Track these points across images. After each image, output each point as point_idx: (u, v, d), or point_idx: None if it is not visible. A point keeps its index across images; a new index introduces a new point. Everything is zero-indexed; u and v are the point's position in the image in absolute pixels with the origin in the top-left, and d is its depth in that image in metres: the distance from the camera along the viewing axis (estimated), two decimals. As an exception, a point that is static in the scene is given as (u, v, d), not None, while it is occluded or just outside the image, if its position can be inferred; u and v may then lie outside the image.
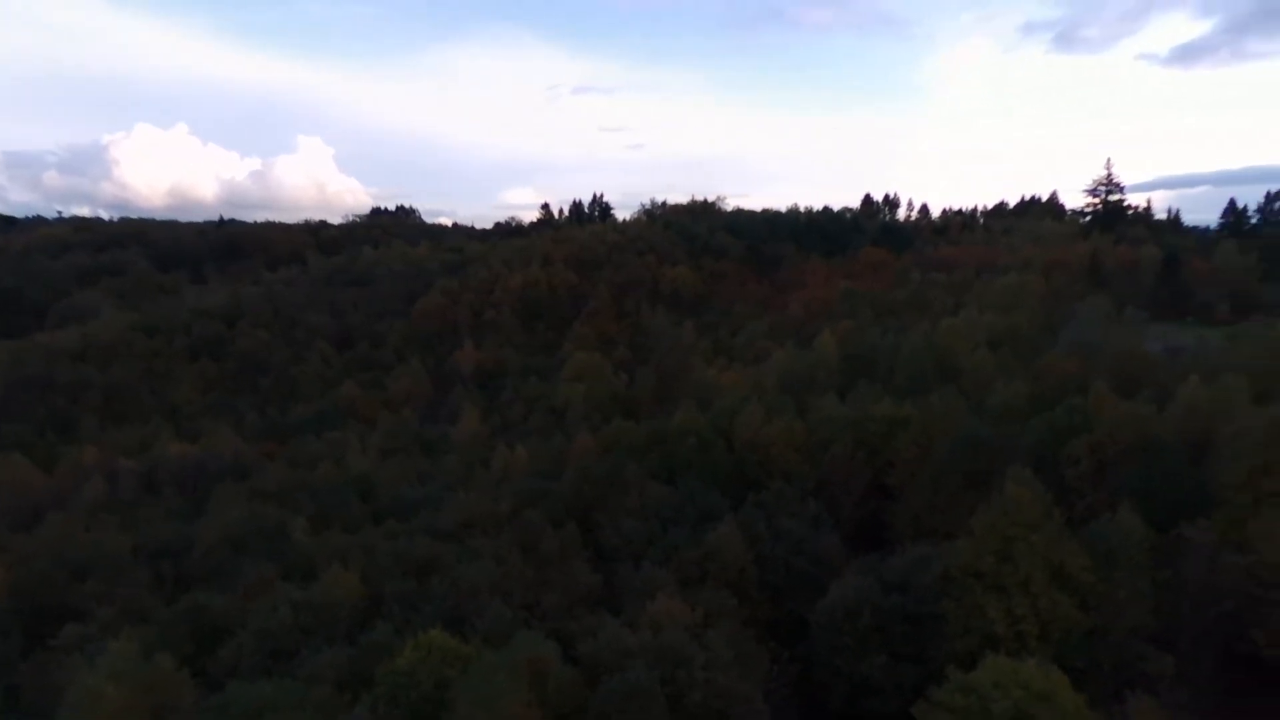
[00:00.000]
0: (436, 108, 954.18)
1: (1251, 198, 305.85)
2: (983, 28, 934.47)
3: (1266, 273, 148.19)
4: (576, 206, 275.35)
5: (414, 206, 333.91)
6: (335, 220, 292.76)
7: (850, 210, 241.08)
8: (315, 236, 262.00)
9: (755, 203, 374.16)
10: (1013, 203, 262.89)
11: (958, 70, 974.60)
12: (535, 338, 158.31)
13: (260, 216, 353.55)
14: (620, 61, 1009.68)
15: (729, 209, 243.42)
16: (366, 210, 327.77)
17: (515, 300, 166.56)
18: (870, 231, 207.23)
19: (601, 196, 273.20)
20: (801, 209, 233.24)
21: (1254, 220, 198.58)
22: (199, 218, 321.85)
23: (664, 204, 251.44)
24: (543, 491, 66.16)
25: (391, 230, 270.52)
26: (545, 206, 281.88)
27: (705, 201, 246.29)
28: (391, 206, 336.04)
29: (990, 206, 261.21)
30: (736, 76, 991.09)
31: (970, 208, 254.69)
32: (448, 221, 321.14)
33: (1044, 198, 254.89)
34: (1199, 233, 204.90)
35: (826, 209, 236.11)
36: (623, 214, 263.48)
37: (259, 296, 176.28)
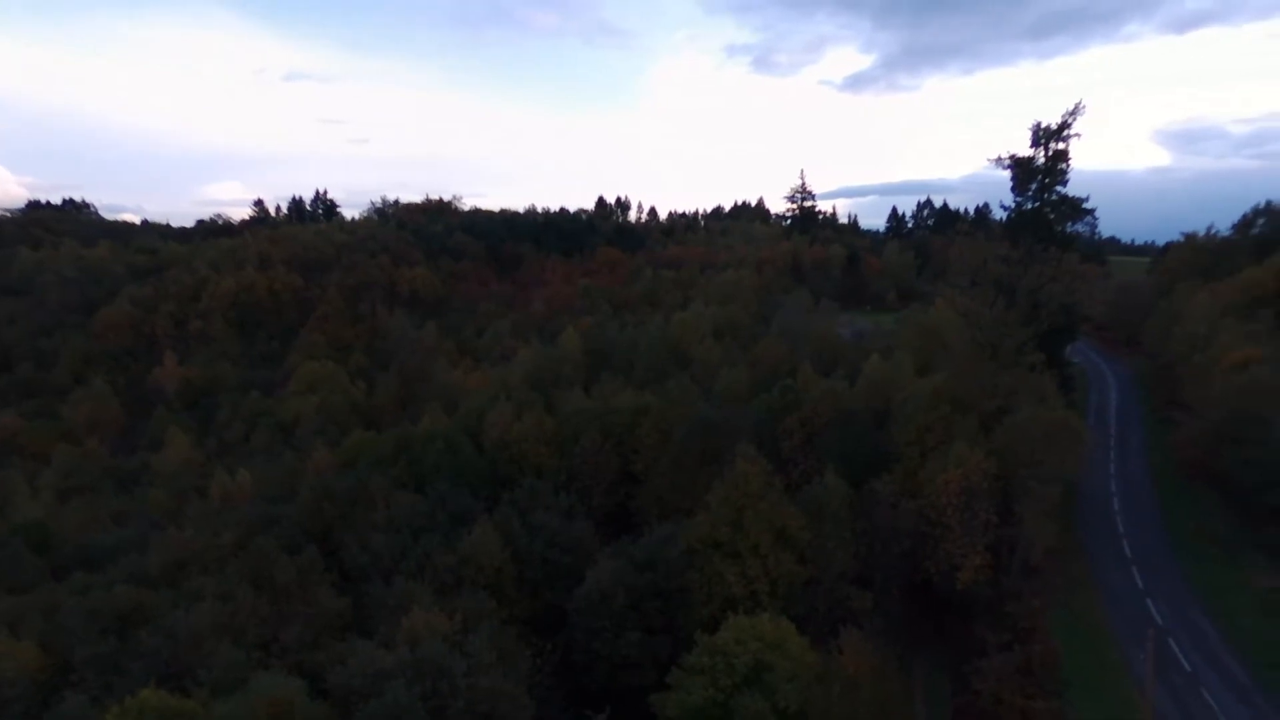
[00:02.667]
0: (114, 87, 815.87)
1: (908, 206, 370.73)
2: (694, 45, 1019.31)
3: (920, 267, 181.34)
4: (296, 204, 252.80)
5: (88, 201, 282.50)
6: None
7: (585, 212, 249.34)
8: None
9: (492, 203, 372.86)
10: (728, 207, 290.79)
11: (675, 82, 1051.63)
12: (255, 348, 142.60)
13: None
14: (338, 49, 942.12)
15: (466, 209, 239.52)
16: (20, 204, 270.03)
17: (228, 307, 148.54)
18: (605, 232, 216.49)
19: (325, 193, 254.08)
20: (539, 210, 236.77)
21: (910, 225, 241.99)
22: None
23: (396, 203, 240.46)
24: (274, 516, 60.05)
25: (58, 228, 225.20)
26: (259, 203, 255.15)
27: (441, 201, 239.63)
28: (56, 200, 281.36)
29: (709, 210, 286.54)
30: (467, 74, 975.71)
31: (693, 211, 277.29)
32: (134, 219, 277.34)
33: (753, 203, 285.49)
34: (872, 235, 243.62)
35: (563, 210, 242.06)
36: (350, 212, 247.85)
37: None
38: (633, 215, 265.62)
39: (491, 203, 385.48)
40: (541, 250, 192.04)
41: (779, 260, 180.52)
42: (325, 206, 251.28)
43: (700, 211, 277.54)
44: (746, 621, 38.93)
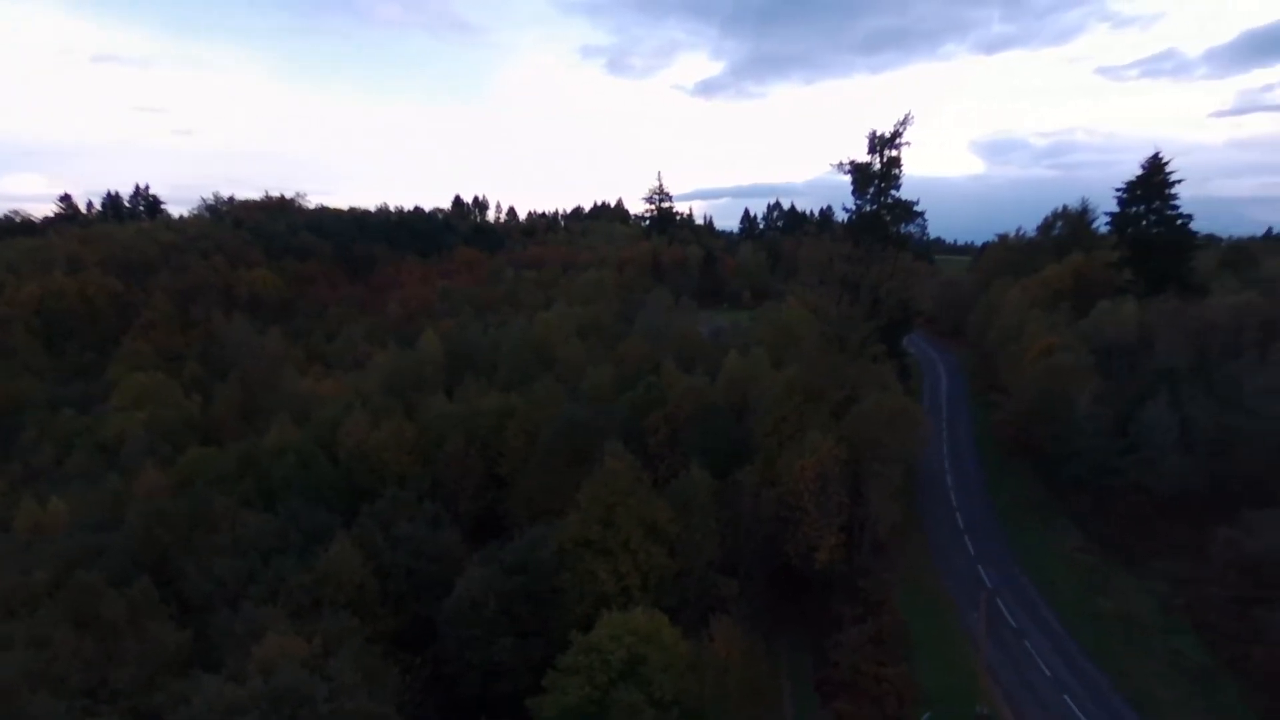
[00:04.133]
0: None
1: (759, 208, 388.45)
2: (549, 45, 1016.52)
3: (772, 267, 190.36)
4: (112, 200, 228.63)
5: None
6: None
7: (442, 211, 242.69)
8: None
9: (339, 201, 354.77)
10: (588, 207, 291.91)
11: (531, 81, 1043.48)
12: (66, 360, 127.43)
13: None
14: (154, 30, 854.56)
15: (311, 207, 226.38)
16: None
17: (30, 315, 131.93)
18: (463, 232, 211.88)
19: (147, 188, 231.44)
20: (392, 209, 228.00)
21: (762, 226, 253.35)
22: None
23: (231, 200, 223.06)
24: (98, 546, 54.16)
25: None
26: (66, 198, 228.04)
27: (282, 198, 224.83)
28: None
29: (569, 210, 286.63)
30: (305, 64, 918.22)
31: (553, 211, 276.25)
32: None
33: (613, 203, 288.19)
34: (727, 235, 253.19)
35: (418, 209, 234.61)
36: (178, 210, 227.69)
37: None
38: (491, 215, 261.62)
39: (339, 201, 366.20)
40: (396, 251, 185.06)
41: (639, 260, 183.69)
42: (147, 203, 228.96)
43: (560, 212, 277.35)
44: (620, 617, 39.32)
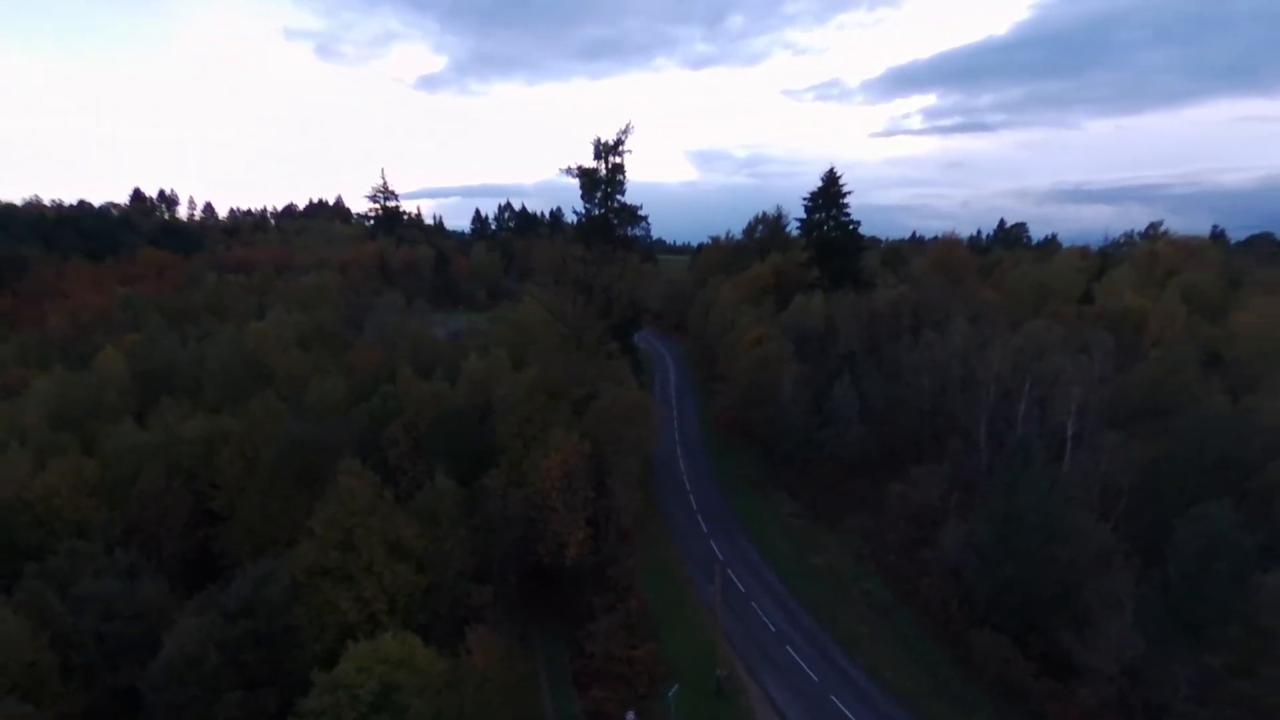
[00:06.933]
0: None
1: (490, 208, 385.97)
2: (244, 24, 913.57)
3: (506, 267, 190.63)
4: None
5: None
6: None
7: (117, 207, 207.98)
8: None
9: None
10: (302, 205, 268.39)
11: (226, 62, 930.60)
12: None
13: None
14: None
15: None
16: None
17: None
18: (147, 231, 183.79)
19: None
20: (48, 202, 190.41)
21: (494, 227, 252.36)
22: None
23: None
24: None
25: None
26: None
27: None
28: None
29: (280, 208, 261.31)
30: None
31: (260, 209, 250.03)
32: None
33: (331, 201, 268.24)
34: (458, 236, 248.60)
35: (84, 204, 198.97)
36: None
37: None
38: (183, 212, 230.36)
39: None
40: (56, 253, 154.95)
41: (365, 261, 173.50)
42: None
43: (271, 210, 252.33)
44: (367, 647, 36.82)
